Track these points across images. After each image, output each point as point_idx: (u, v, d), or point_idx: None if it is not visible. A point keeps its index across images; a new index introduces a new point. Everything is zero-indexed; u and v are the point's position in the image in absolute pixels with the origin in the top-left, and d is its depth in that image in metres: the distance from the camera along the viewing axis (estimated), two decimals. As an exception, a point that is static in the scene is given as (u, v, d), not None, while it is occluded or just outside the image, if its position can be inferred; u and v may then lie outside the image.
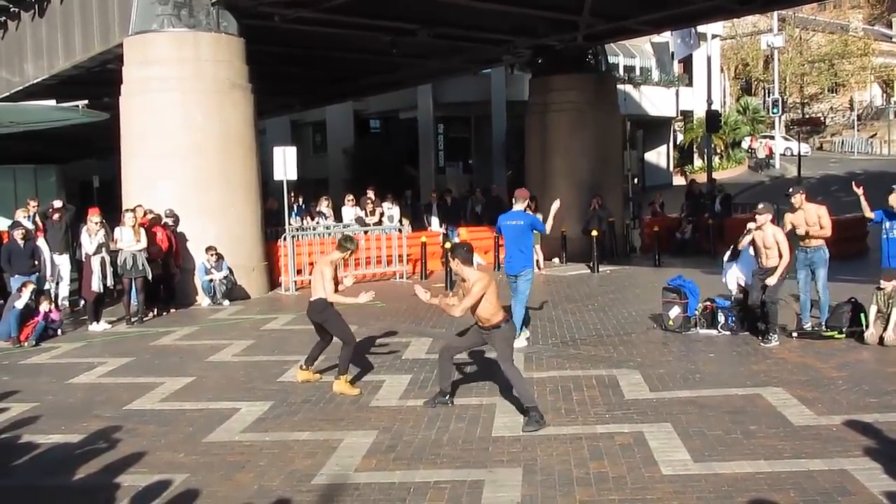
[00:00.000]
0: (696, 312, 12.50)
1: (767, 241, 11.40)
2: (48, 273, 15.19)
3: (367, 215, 21.19)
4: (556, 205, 12.15)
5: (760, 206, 11.86)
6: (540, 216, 20.48)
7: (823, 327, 11.73)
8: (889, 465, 6.65)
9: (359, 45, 24.16)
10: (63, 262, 16.09)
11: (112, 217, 15.60)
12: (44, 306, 13.50)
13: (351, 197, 21.89)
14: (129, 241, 14.51)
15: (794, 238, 11.98)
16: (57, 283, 15.82)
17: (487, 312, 8.34)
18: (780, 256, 11.32)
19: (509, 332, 8.52)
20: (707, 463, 6.90)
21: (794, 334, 11.65)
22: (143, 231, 14.84)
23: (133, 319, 14.71)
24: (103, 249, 14.19)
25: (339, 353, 9.76)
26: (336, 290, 9.73)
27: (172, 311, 15.96)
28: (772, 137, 53.53)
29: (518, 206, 12.15)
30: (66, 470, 7.29)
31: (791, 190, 12.23)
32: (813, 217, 11.88)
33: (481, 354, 10.56)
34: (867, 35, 66.44)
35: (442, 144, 41.03)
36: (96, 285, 14.13)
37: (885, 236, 12.21)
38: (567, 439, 7.62)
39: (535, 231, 12.24)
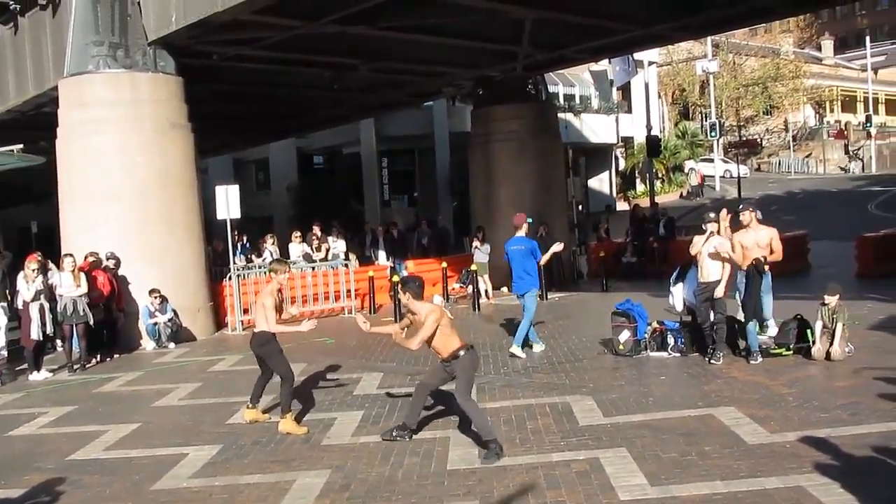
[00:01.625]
0: (646, 335, 12.54)
1: (711, 252, 11.47)
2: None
3: (313, 251, 21.04)
4: (557, 247, 13.75)
5: (711, 214, 11.88)
6: (488, 246, 20.71)
7: (772, 345, 11.79)
8: (843, 479, 6.67)
9: (300, 82, 24.10)
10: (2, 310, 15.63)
11: (53, 262, 15.27)
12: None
13: (297, 233, 21.70)
14: (69, 286, 14.18)
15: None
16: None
17: (442, 344, 8.27)
18: (722, 269, 11.44)
19: (468, 361, 8.37)
20: (664, 486, 6.86)
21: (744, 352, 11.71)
22: (83, 275, 14.51)
23: (75, 367, 14.35)
24: (42, 296, 13.84)
25: (293, 392, 9.60)
26: (279, 321, 9.59)
27: (116, 356, 15.62)
28: (711, 160, 54.37)
29: (520, 233, 13.43)
30: (6, 526, 7.03)
31: (741, 206, 12.09)
32: (765, 239, 11.73)
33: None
34: (798, 58, 68.04)
35: (386, 178, 40.97)
36: (35, 333, 13.76)
37: None
38: (523, 469, 7.54)
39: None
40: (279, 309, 9.67)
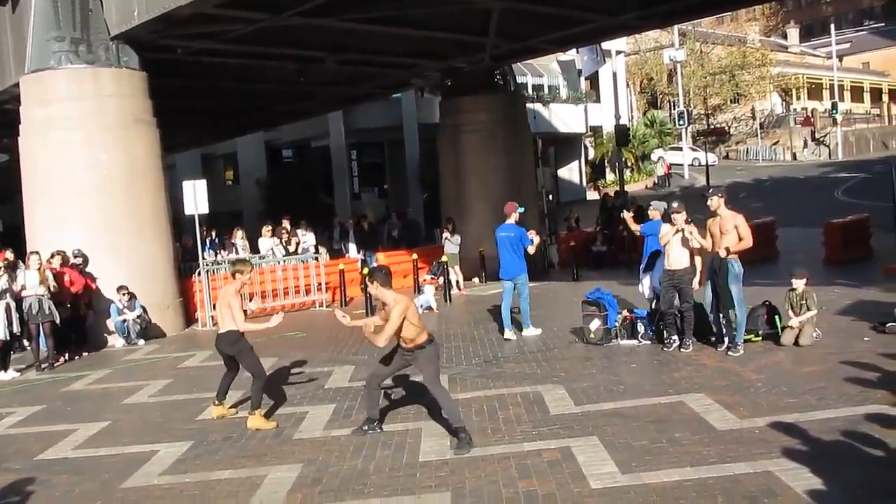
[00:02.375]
0: (616, 324, 12.59)
1: (681, 241, 11.48)
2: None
3: (283, 245, 20.93)
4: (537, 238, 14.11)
5: (675, 204, 11.78)
6: (458, 237, 20.74)
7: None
8: (811, 463, 6.73)
9: (266, 75, 23.98)
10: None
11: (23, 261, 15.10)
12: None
13: (268, 227, 21.58)
14: (34, 284, 14.00)
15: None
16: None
17: (411, 333, 8.23)
18: (692, 258, 11.47)
19: (433, 352, 8.37)
20: (635, 474, 6.89)
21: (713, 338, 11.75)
22: (49, 273, 14.35)
23: (43, 366, 14.21)
24: (7, 295, 13.66)
25: (264, 386, 9.55)
26: (246, 319, 9.56)
27: (85, 354, 15.48)
28: (679, 149, 54.68)
29: (510, 220, 13.76)
30: (-27, 528, 6.94)
31: (710, 191, 11.72)
32: (728, 225, 11.04)
33: (405, 378, 10.44)
34: (764, 46, 68.54)
35: (356, 170, 40.91)
36: (1, 332, 13.59)
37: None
38: (495, 459, 7.54)
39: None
40: (243, 309, 9.62)
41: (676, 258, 11.51)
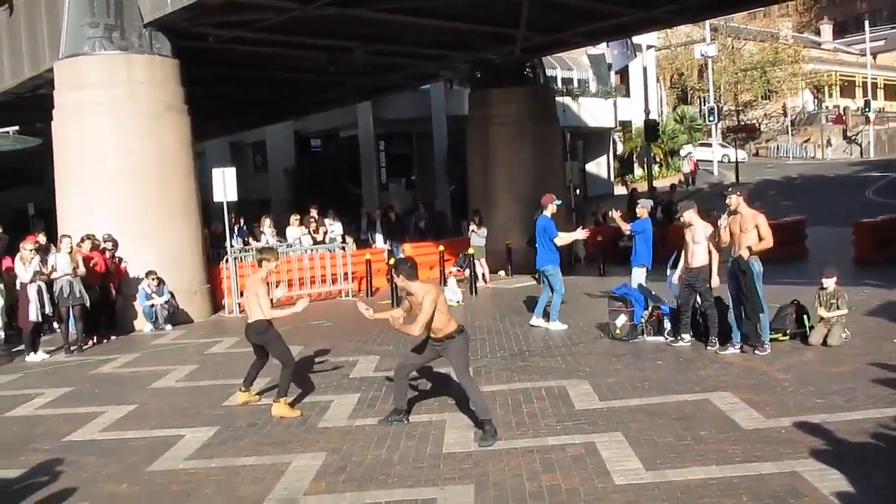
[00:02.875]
0: (643, 320, 12.55)
1: (696, 236, 11.41)
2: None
3: (310, 234, 21.02)
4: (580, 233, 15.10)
5: (682, 203, 11.84)
6: (485, 229, 20.78)
7: (770, 330, 11.74)
8: (838, 465, 6.68)
9: (296, 64, 24.02)
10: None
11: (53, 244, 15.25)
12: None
13: (297, 216, 21.66)
14: (65, 267, 14.15)
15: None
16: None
17: (440, 323, 8.22)
18: (710, 255, 11.39)
19: (463, 342, 8.35)
20: (659, 471, 6.88)
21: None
22: (79, 257, 14.49)
23: (72, 348, 14.36)
24: (38, 277, 13.82)
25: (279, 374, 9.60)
26: (272, 307, 9.62)
27: (113, 338, 15.62)
28: (709, 145, 54.30)
29: (546, 212, 13.87)
30: (2, 507, 7.03)
31: (729, 190, 11.63)
32: (748, 224, 10.88)
33: (429, 370, 10.46)
34: (797, 42, 67.87)
35: (384, 161, 40.89)
36: (34, 314, 13.75)
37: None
38: (519, 452, 7.55)
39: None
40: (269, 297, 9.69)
41: (695, 256, 11.43)
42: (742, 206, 11.03)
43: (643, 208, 14.16)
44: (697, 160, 50.58)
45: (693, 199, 13.37)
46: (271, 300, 9.70)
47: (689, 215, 11.50)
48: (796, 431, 7.64)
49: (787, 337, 11.56)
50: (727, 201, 11.26)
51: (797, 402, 8.62)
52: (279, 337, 9.58)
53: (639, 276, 14.05)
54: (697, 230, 11.46)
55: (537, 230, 13.92)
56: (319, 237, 21.15)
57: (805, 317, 11.56)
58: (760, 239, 10.90)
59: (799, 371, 10.05)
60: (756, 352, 10.99)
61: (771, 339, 11.43)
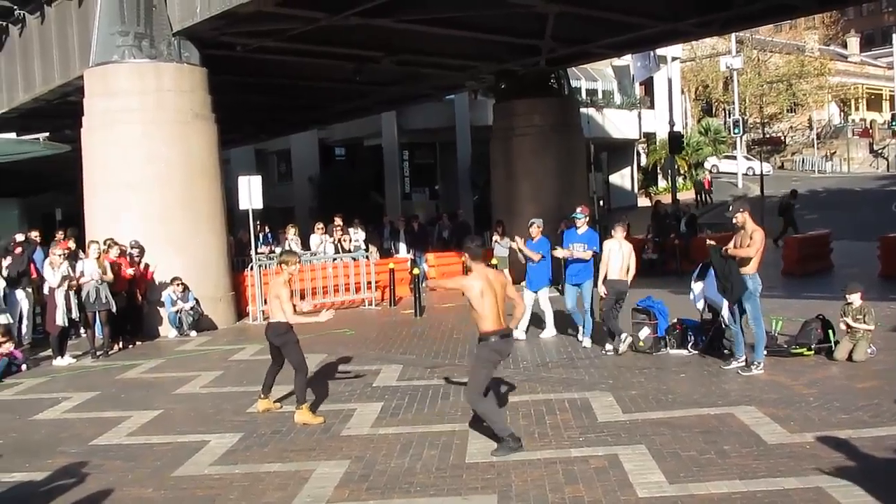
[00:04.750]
0: (666, 333, 12.52)
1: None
2: (3, 305, 14.77)
3: (335, 242, 21.10)
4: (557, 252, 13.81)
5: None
6: (508, 240, 20.80)
7: (794, 344, 11.71)
8: (863, 481, 6.65)
9: (322, 73, 24.17)
10: (24, 297, 15.74)
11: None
12: (5, 346, 13.22)
13: (321, 225, 21.76)
14: (92, 273, 14.28)
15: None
16: (20, 320, 15.53)
17: (476, 318, 8.13)
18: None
19: (483, 352, 8.18)
20: (682, 484, 6.86)
21: (764, 352, 11.56)
22: (106, 263, 14.63)
23: (98, 353, 14.48)
24: (66, 283, 13.97)
25: (313, 382, 9.68)
26: (295, 312, 9.71)
27: (138, 343, 15.77)
28: (733, 157, 54.06)
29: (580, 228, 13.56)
30: (30, 510, 7.11)
31: (731, 209, 11.23)
32: (746, 239, 10.73)
33: (450, 377, 10.50)
34: (823, 55, 67.50)
35: (407, 171, 41.03)
36: (60, 319, 13.90)
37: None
38: (541, 464, 7.56)
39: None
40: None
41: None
42: (748, 223, 10.83)
43: (538, 228, 14.06)
44: (712, 177, 49.96)
45: (716, 211, 13.26)
46: (294, 306, 9.76)
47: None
48: (821, 447, 7.60)
49: (813, 352, 11.49)
50: (734, 220, 10.97)
51: (822, 418, 8.58)
52: (296, 342, 9.65)
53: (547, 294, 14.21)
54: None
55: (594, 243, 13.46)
56: (347, 245, 21.21)
57: (830, 331, 11.49)
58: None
59: (824, 386, 10.00)
60: (740, 371, 10.83)
61: (795, 354, 11.42)
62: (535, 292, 14.05)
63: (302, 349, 9.74)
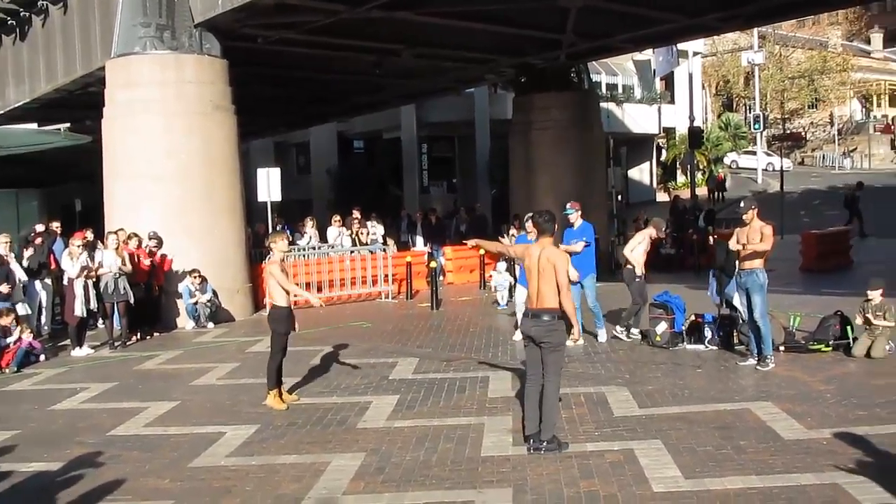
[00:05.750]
0: (683, 328, 12.48)
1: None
2: (22, 296, 14.87)
3: (352, 235, 21.14)
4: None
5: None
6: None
7: (812, 340, 11.66)
8: (880, 477, 6.61)
9: (342, 66, 24.19)
10: (42, 288, 15.81)
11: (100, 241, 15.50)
12: (25, 335, 13.30)
13: (338, 217, 21.80)
14: (111, 264, 14.36)
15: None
16: (40, 310, 15.64)
17: (529, 291, 7.91)
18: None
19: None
20: (698, 479, 6.85)
21: (782, 348, 11.56)
22: (125, 254, 14.70)
23: (116, 344, 14.56)
24: (85, 273, 14.05)
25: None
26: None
27: (156, 334, 15.81)
28: (754, 153, 53.74)
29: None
30: (47, 498, 7.15)
31: (742, 205, 11.10)
32: (755, 234, 10.71)
33: (464, 371, 10.49)
34: (846, 51, 66.91)
35: (426, 164, 41.06)
36: (79, 310, 13.98)
37: None
38: (557, 458, 7.55)
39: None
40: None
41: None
42: (755, 220, 10.78)
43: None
44: (730, 173, 49.51)
45: (734, 207, 13.13)
46: (287, 293, 10.00)
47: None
48: (838, 443, 7.57)
49: (830, 348, 11.45)
50: (743, 217, 10.90)
51: (839, 414, 8.54)
52: (285, 333, 9.89)
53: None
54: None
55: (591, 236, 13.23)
56: (364, 238, 21.24)
57: (849, 328, 11.45)
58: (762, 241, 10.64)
59: (841, 382, 9.95)
60: (758, 367, 10.80)
61: (813, 350, 11.40)
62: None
63: (287, 342, 10.02)
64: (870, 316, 11.18)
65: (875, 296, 11.29)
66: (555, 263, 7.74)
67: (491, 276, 20.83)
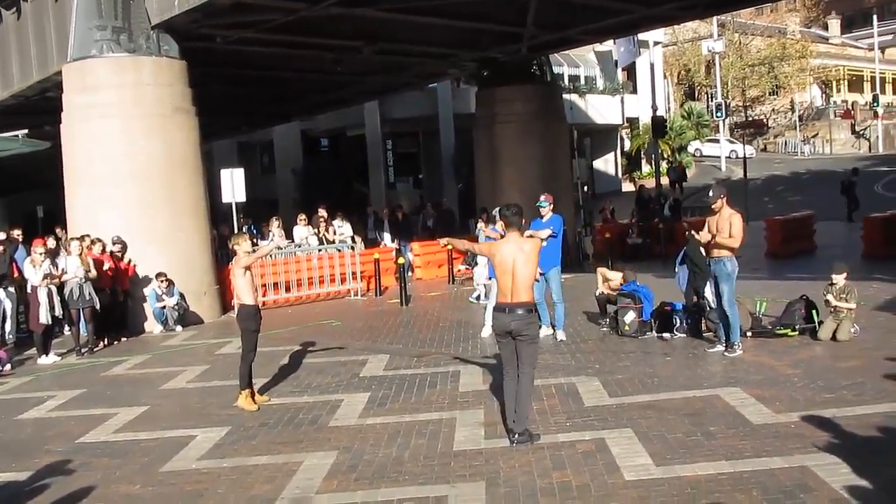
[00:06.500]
0: (651, 316, 12.56)
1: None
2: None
3: (319, 234, 21.05)
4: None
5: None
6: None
7: (778, 325, 11.77)
8: (848, 459, 6.69)
9: (303, 64, 24.11)
10: (5, 296, 15.57)
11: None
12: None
13: (303, 216, 21.70)
14: (75, 270, 14.19)
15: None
16: (4, 319, 15.42)
17: (502, 286, 7.86)
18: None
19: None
20: (669, 466, 6.89)
21: (749, 333, 11.68)
22: (89, 260, 14.54)
23: (83, 350, 14.39)
24: (48, 280, 13.87)
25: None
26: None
27: (123, 339, 15.66)
28: (716, 141, 54.20)
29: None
30: (17, 508, 7.06)
31: (711, 194, 11.03)
32: (724, 223, 10.65)
33: (439, 365, 10.49)
34: (804, 37, 67.62)
35: (391, 160, 40.98)
36: (44, 317, 13.80)
37: None
38: (529, 449, 7.56)
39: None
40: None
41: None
42: (725, 209, 10.75)
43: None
44: (692, 161, 49.59)
45: (697, 196, 13.26)
46: (256, 289, 10.09)
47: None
48: (806, 426, 7.65)
49: (797, 332, 11.56)
50: (712, 205, 10.86)
51: (806, 398, 8.63)
52: (255, 332, 9.91)
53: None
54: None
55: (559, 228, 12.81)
56: (331, 237, 21.16)
57: (814, 312, 11.57)
58: (730, 236, 10.62)
59: (808, 366, 10.05)
60: (726, 353, 10.85)
61: (780, 335, 11.50)
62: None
63: (258, 340, 10.02)
64: (832, 298, 11.29)
65: (839, 280, 11.41)
66: (528, 253, 7.84)
67: (460, 270, 20.88)
